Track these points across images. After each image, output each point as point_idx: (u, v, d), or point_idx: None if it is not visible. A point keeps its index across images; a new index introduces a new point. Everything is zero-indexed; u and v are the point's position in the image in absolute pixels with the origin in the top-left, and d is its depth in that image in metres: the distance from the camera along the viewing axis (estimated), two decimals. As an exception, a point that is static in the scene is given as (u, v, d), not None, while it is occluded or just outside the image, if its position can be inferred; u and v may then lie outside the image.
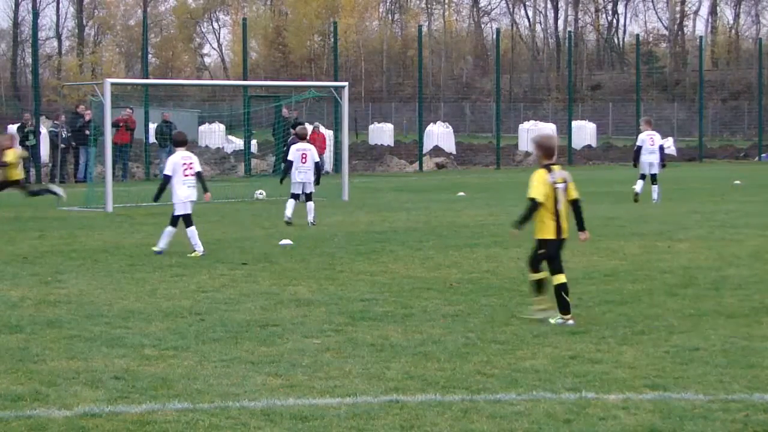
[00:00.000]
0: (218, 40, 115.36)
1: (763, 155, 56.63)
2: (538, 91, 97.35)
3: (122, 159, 39.23)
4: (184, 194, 18.01)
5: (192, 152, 18.84)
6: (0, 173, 24.68)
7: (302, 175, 22.91)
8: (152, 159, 42.57)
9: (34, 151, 38.71)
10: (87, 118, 38.54)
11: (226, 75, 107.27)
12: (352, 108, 38.28)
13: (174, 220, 18.10)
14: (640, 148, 28.84)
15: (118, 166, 38.02)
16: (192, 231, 17.92)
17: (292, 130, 29.75)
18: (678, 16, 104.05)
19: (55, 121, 39.46)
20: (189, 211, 18.07)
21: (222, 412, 8.34)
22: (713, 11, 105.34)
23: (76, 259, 17.34)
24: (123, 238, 20.66)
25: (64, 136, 38.11)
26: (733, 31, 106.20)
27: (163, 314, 12.45)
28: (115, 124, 36.21)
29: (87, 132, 38.02)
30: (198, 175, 18.16)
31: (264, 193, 30.57)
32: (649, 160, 28.69)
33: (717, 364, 9.89)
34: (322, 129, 44.76)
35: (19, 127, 39.61)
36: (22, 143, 38.82)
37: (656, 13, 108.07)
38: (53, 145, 38.43)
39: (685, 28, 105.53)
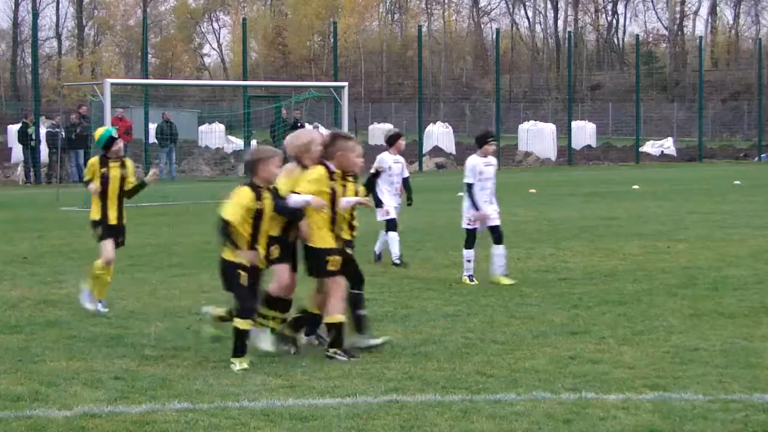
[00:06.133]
0: (218, 40, 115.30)
1: (762, 155, 56.61)
2: (538, 91, 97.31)
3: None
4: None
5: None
6: None
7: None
8: (152, 159, 42.57)
9: (34, 152, 38.74)
10: (75, 120, 38.85)
11: (225, 75, 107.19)
12: (351, 108, 38.28)
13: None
14: None
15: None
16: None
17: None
18: (678, 16, 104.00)
19: (52, 122, 39.45)
20: None
21: (222, 412, 8.35)
22: (713, 11, 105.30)
23: (76, 260, 17.34)
24: (123, 238, 20.64)
25: (62, 136, 38.16)
26: (732, 31, 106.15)
27: (162, 314, 12.46)
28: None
29: (76, 134, 38.23)
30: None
31: None
32: None
33: (717, 364, 9.89)
34: (322, 129, 44.76)
35: (21, 128, 39.61)
36: (26, 144, 38.87)
37: (656, 13, 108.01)
38: (51, 146, 38.45)
39: (684, 29, 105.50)
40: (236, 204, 9.93)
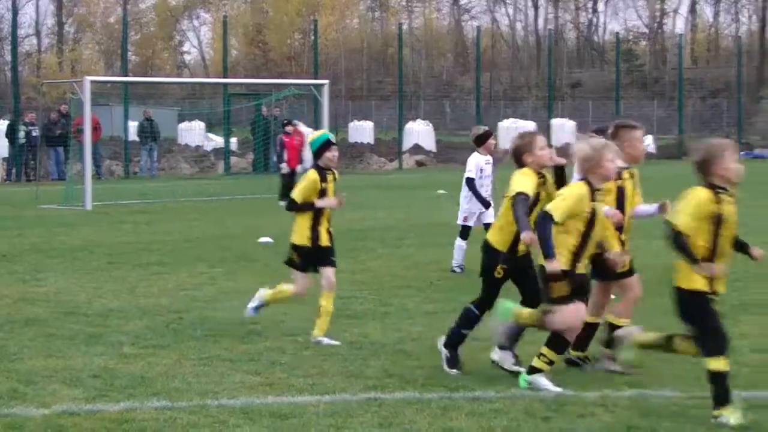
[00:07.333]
0: (198, 38, 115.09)
1: (742, 153, 56.84)
2: (518, 89, 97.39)
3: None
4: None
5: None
6: None
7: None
8: (132, 157, 42.52)
9: (21, 150, 38.57)
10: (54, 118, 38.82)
11: (206, 73, 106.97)
12: (332, 106, 38.24)
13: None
14: None
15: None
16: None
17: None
18: (658, 14, 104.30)
19: (25, 120, 39.27)
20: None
21: (200, 410, 8.33)
22: (693, 9, 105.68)
23: (55, 257, 17.30)
24: (102, 236, 20.62)
25: (34, 134, 38.06)
26: (712, 29, 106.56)
27: (141, 312, 12.43)
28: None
29: (58, 132, 38.15)
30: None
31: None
32: None
33: (694, 362, 9.87)
34: (302, 127, 44.76)
35: (9, 125, 39.40)
36: (12, 142, 38.65)
37: (636, 11, 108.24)
38: (28, 144, 38.35)
39: (664, 26, 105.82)
40: (693, 209, 8.58)
